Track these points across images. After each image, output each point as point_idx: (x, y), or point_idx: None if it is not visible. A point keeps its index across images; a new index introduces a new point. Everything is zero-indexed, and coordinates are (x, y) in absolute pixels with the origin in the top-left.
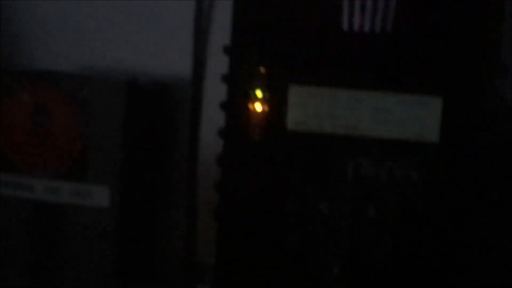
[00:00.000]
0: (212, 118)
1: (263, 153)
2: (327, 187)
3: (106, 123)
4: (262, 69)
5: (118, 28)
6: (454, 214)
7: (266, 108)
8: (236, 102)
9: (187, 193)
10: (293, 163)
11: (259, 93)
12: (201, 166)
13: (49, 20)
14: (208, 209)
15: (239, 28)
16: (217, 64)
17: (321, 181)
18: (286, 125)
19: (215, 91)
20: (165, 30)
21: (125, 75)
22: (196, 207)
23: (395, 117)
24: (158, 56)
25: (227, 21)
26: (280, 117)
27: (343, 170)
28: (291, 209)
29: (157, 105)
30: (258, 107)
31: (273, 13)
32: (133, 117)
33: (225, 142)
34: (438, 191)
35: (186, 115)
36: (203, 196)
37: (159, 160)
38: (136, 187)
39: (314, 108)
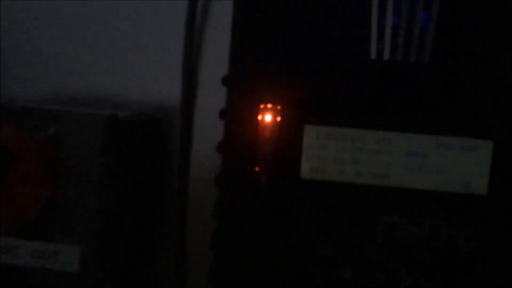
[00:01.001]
0: (204, 153)
1: (269, 204)
2: (351, 250)
3: (80, 167)
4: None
5: (98, 53)
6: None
7: (276, 151)
8: (236, 142)
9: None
10: (309, 219)
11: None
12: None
13: (16, 44)
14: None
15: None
16: (211, 93)
17: (343, 242)
18: (300, 172)
19: (207, 122)
20: (152, 55)
21: (106, 106)
22: (186, 255)
23: (433, 164)
24: (144, 84)
25: (222, 45)
26: (293, 162)
27: (371, 230)
28: (309, 277)
29: (144, 141)
30: (266, 147)
31: (282, 38)
32: (113, 158)
33: (222, 190)
34: (491, 256)
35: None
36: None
37: (147, 205)
38: (114, 247)
39: (335, 153)
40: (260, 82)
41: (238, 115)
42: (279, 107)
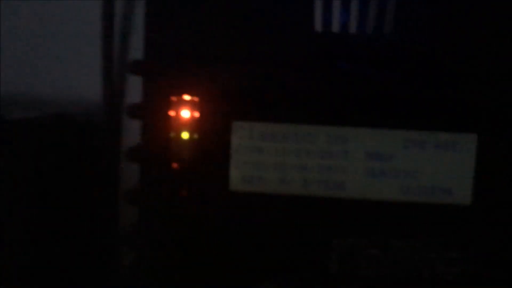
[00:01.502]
0: None
1: (192, 225)
2: (297, 284)
3: None
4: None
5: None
6: None
7: (197, 157)
8: (149, 147)
9: None
10: (241, 246)
11: (185, 135)
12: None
13: None
14: None
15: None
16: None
17: (287, 274)
18: (228, 182)
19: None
20: (70, 50)
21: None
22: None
23: (401, 168)
24: (61, 81)
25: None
26: (219, 170)
27: (322, 256)
28: None
29: (58, 143)
30: (183, 152)
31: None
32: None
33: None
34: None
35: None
36: None
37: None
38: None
39: (274, 157)
40: (177, 69)
41: (149, 112)
42: (197, 99)
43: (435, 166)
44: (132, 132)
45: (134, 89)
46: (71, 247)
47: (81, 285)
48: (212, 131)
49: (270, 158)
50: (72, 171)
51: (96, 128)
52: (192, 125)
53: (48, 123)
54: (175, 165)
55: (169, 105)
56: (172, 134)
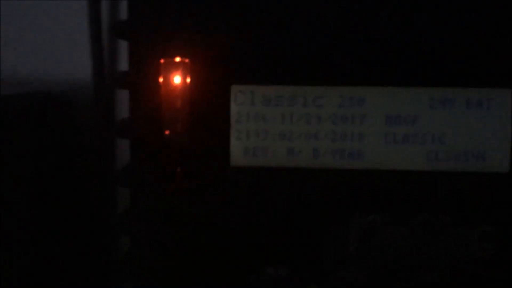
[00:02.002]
0: None
1: (191, 208)
2: (313, 266)
3: None
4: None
5: None
6: None
7: (190, 129)
8: (138, 120)
9: None
10: (249, 226)
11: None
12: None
13: None
14: None
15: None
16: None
17: (301, 256)
18: (229, 157)
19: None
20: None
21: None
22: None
23: (427, 131)
24: (48, 59)
25: None
26: (218, 143)
27: (340, 235)
28: None
29: (42, 125)
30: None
31: None
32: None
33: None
34: None
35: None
36: None
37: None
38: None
39: (280, 124)
40: (164, 29)
41: (136, 79)
42: (187, 61)
43: (466, 129)
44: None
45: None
46: (62, 232)
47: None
48: (207, 97)
49: (276, 126)
50: (60, 151)
51: (86, 106)
52: (185, 92)
53: (33, 101)
54: (167, 138)
55: (158, 70)
56: (163, 104)
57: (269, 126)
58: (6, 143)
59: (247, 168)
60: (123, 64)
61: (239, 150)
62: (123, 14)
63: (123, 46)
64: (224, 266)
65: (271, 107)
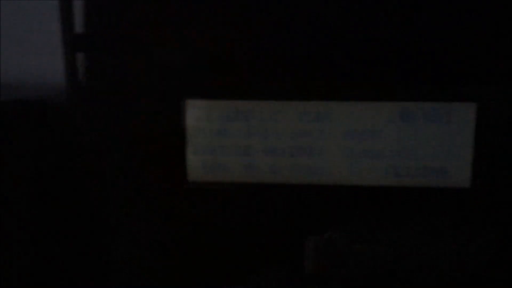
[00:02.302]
0: None
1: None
2: (275, 283)
3: None
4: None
5: None
6: None
7: (145, 145)
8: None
9: None
10: (207, 244)
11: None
12: None
13: None
14: None
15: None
16: None
17: (257, 278)
18: (186, 172)
19: None
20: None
21: None
22: None
23: (390, 146)
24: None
25: None
26: (172, 160)
27: (296, 254)
28: None
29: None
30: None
31: None
32: None
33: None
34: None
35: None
36: None
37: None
38: None
39: (236, 140)
40: (118, 43)
41: (92, 94)
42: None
43: (428, 143)
44: None
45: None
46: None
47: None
48: (162, 112)
49: (233, 141)
50: (36, 157)
51: (60, 112)
52: (140, 108)
53: (9, 109)
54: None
55: (115, 86)
56: (119, 122)
57: (226, 141)
58: None
59: (204, 183)
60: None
61: (196, 165)
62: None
63: None
64: (181, 281)
65: (228, 122)
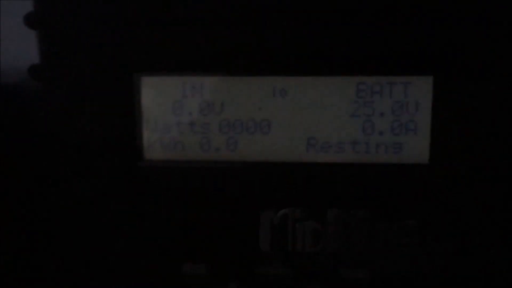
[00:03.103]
0: None
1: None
2: (230, 263)
3: None
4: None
5: None
6: None
7: (98, 122)
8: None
9: None
10: (165, 222)
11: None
12: None
13: None
14: None
15: None
16: None
17: (218, 253)
18: (140, 150)
19: None
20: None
21: None
22: None
23: (348, 122)
24: None
25: None
26: (127, 138)
27: (254, 231)
28: None
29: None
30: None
31: None
32: None
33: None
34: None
35: None
36: None
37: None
38: None
39: (192, 117)
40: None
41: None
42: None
43: (385, 118)
44: None
45: None
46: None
47: None
48: (116, 89)
49: (189, 118)
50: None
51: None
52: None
53: None
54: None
55: (69, 62)
56: (75, 98)
57: (182, 118)
58: None
59: (160, 161)
60: None
61: (152, 143)
62: None
63: None
64: (143, 263)
65: (184, 99)
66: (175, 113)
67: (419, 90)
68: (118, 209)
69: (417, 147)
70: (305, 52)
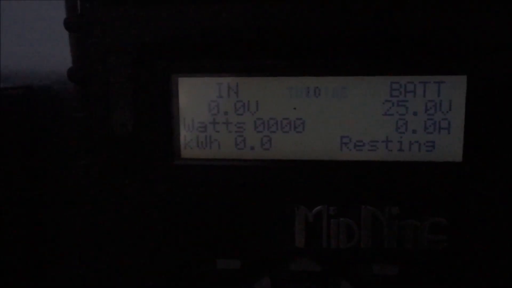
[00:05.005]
0: None
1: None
2: (263, 258)
3: None
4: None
5: None
6: None
7: (134, 122)
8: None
9: None
10: (199, 218)
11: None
12: None
13: None
14: None
15: None
16: None
17: (251, 248)
18: (175, 151)
19: None
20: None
21: None
22: None
23: (382, 121)
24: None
25: None
26: (163, 137)
27: (289, 227)
28: None
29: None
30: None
31: None
32: None
33: None
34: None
35: None
36: None
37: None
38: None
39: (229, 116)
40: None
41: (86, 75)
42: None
43: (418, 117)
44: None
45: None
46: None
47: None
48: (154, 90)
49: (224, 117)
50: (41, 144)
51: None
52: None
53: (16, 95)
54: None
55: (107, 65)
56: (113, 99)
57: (219, 117)
58: None
59: (197, 159)
60: None
61: (188, 142)
62: None
63: None
64: (178, 259)
65: (220, 98)
66: (211, 112)
67: (453, 89)
68: (155, 206)
69: (450, 146)
70: (339, 52)
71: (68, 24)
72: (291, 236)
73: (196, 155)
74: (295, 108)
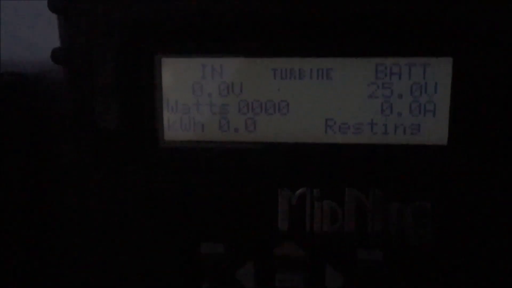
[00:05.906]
0: None
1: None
2: (248, 243)
3: None
4: None
5: None
6: None
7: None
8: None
9: None
10: (183, 202)
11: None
12: None
13: None
14: None
15: None
16: None
17: (237, 233)
18: (159, 133)
19: None
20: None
21: None
22: None
23: (366, 103)
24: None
25: None
26: (147, 119)
27: (272, 211)
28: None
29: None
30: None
31: None
32: None
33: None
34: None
35: None
36: None
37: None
38: None
39: (213, 98)
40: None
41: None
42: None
43: (403, 99)
44: None
45: None
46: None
47: None
48: (137, 71)
49: (208, 99)
50: (25, 131)
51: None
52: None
53: (7, 81)
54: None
55: (90, 46)
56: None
57: (203, 99)
58: None
59: (180, 141)
60: None
61: (172, 124)
62: None
63: None
64: (162, 244)
65: (205, 79)
66: (194, 94)
67: (438, 72)
68: (138, 189)
69: (435, 129)
70: (323, 33)
71: (52, 5)
72: (275, 219)
73: (179, 137)
74: (279, 90)
